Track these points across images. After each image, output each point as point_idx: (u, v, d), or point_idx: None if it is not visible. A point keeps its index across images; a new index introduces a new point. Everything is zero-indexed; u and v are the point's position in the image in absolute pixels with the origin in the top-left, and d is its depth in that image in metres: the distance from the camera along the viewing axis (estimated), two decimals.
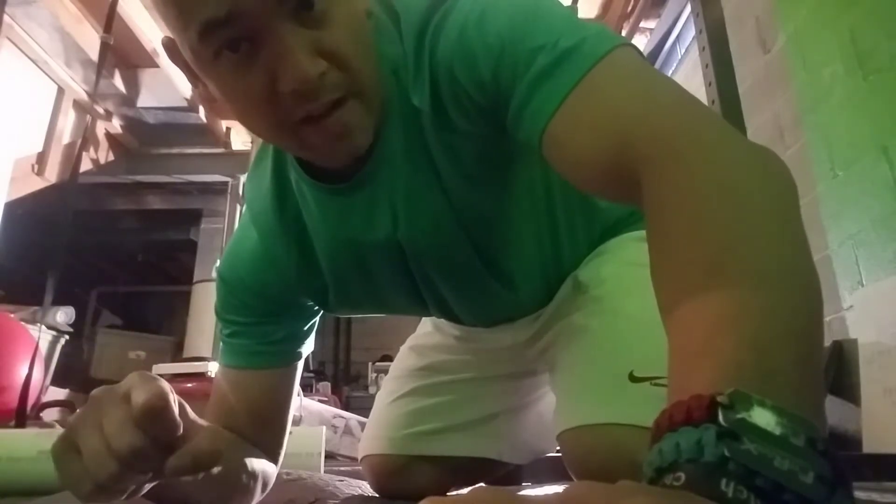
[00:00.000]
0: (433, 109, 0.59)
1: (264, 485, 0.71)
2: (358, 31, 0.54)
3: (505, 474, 1.01)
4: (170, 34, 0.54)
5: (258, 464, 0.69)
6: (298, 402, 2.01)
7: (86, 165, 3.12)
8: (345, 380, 5.12)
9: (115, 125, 3.37)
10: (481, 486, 0.22)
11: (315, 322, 0.80)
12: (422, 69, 0.58)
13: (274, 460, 0.75)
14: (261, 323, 0.74)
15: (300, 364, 0.79)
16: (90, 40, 2.69)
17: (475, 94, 0.56)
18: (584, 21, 0.54)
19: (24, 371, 2.11)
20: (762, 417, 0.24)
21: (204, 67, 0.53)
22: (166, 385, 0.46)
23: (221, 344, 0.77)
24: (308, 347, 0.80)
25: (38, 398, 2.32)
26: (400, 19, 0.60)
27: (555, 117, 0.48)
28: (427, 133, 0.61)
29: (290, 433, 0.79)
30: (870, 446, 1.34)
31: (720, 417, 0.24)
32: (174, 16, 0.50)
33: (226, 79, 0.52)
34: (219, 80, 0.53)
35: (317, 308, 0.79)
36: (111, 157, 3.46)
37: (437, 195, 0.64)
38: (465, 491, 0.23)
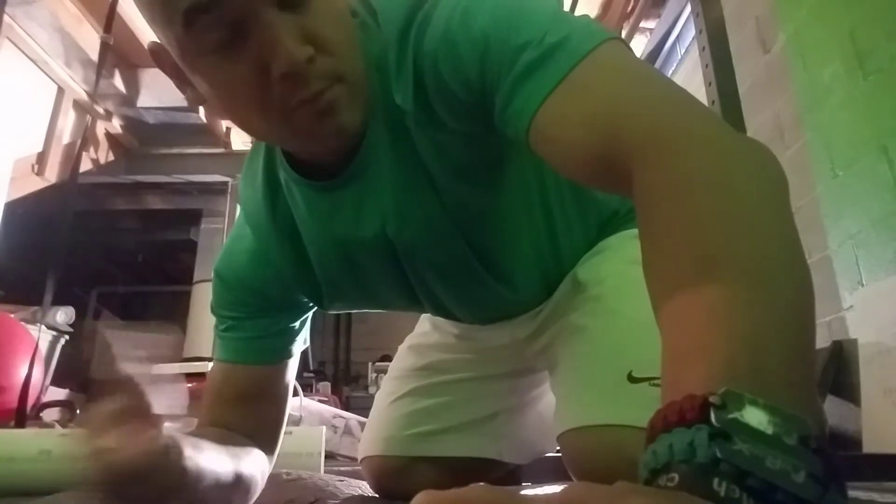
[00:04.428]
0: (417, 108, 0.59)
1: (261, 480, 0.71)
2: (340, 19, 0.55)
3: (505, 474, 1.01)
4: (157, 39, 0.55)
5: (256, 459, 0.70)
6: (298, 402, 2.01)
7: (86, 165, 3.11)
8: (345, 380, 5.11)
9: (115, 125, 3.36)
10: (478, 484, 0.22)
11: (308, 318, 0.81)
12: (405, 68, 0.58)
13: (269, 457, 0.76)
14: (255, 318, 0.75)
15: (294, 362, 0.80)
16: (90, 40, 2.69)
17: (462, 93, 0.56)
18: (570, 15, 0.54)
19: (24, 371, 2.10)
20: (754, 417, 0.24)
21: (192, 63, 0.53)
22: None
23: (216, 339, 0.77)
24: (301, 346, 0.80)
25: (38, 398, 2.32)
26: (378, 17, 0.60)
27: (540, 111, 0.48)
28: (412, 131, 0.61)
29: (290, 433, 0.80)
30: (870, 446, 1.33)
31: (712, 417, 0.24)
32: (158, 10, 0.50)
33: (215, 72, 0.52)
34: (208, 75, 0.53)
35: (311, 304, 0.79)
36: (111, 157, 3.46)
37: (426, 192, 0.64)
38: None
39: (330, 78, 0.53)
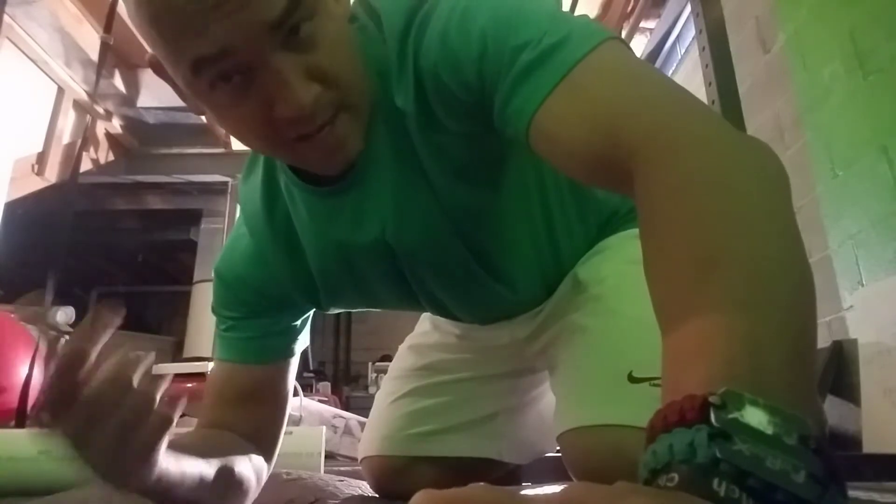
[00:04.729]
0: (418, 110, 0.59)
1: (258, 481, 0.71)
2: (344, 47, 0.55)
3: (505, 474, 1.01)
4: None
5: (251, 460, 0.70)
6: (298, 402, 2.01)
7: (86, 165, 3.11)
8: (345, 380, 5.11)
9: (115, 125, 3.36)
10: (478, 484, 0.22)
11: (308, 318, 0.81)
12: (405, 71, 0.58)
13: (269, 457, 0.76)
14: (256, 318, 0.75)
15: (295, 362, 0.80)
16: (90, 40, 2.69)
17: (461, 94, 0.56)
18: (569, 15, 0.54)
19: (24, 371, 2.10)
20: (754, 417, 0.24)
21: (198, 96, 0.54)
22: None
23: (217, 339, 0.77)
24: (301, 344, 0.80)
25: (38, 398, 2.32)
26: (381, 20, 0.60)
27: (541, 110, 0.48)
28: (413, 133, 0.61)
29: (290, 433, 0.80)
30: (870, 446, 1.34)
31: (712, 418, 0.24)
32: (165, 51, 0.51)
33: (221, 107, 0.53)
34: (214, 108, 0.54)
35: (310, 305, 0.79)
36: (111, 157, 3.46)
37: (425, 195, 0.65)
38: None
39: (334, 108, 0.54)
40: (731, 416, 0.24)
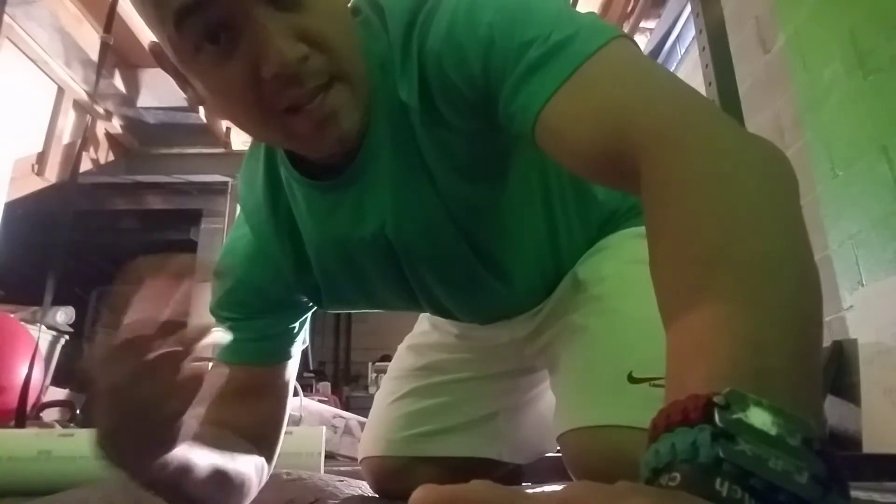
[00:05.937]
0: (421, 104, 0.58)
1: (258, 481, 0.71)
2: (338, 16, 0.54)
3: (505, 474, 1.01)
4: (155, 38, 0.55)
5: (252, 459, 0.70)
6: (298, 402, 2.01)
7: (86, 165, 3.11)
8: (345, 380, 5.11)
9: (115, 125, 3.36)
10: (479, 481, 0.22)
11: (306, 320, 0.81)
12: (409, 64, 0.58)
13: (269, 457, 0.76)
14: (254, 319, 0.74)
15: (294, 363, 0.79)
16: (90, 40, 2.69)
17: (465, 89, 0.55)
18: (577, 13, 0.54)
19: (24, 371, 2.10)
20: (758, 417, 0.24)
21: (187, 63, 0.53)
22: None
23: None
24: (299, 347, 0.80)
25: (38, 398, 2.31)
26: (385, 14, 0.60)
27: (547, 107, 0.48)
28: (415, 128, 0.61)
29: (290, 433, 0.80)
30: (870, 446, 1.34)
31: (716, 418, 0.24)
32: (151, 11, 0.50)
33: (208, 72, 0.52)
34: (202, 75, 0.53)
35: (310, 304, 0.79)
36: (111, 157, 3.46)
37: (426, 190, 0.64)
38: None
39: (326, 75, 0.53)
40: (734, 416, 0.24)
